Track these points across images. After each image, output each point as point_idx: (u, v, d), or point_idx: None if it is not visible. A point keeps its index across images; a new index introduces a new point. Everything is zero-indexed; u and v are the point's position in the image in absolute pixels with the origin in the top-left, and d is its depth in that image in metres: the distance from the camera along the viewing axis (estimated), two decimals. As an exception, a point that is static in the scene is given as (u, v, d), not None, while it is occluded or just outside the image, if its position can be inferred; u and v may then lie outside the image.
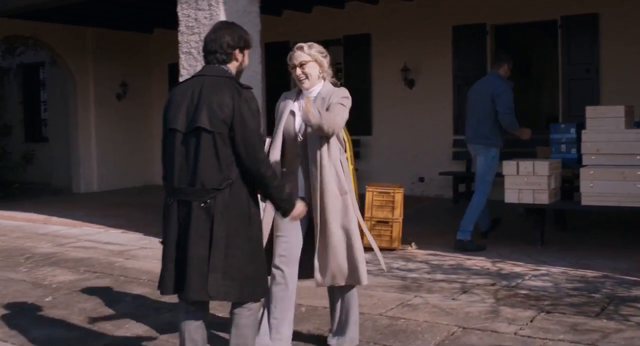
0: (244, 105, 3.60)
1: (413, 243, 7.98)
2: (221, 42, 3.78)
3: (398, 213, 7.81)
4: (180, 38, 8.52)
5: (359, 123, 12.81)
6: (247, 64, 3.95)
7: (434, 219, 10.08)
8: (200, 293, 3.61)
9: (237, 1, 8.34)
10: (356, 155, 12.67)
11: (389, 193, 7.87)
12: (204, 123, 3.57)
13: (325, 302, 5.79)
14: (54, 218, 10.99)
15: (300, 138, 4.37)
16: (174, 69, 15.07)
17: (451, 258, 7.38)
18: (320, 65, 4.39)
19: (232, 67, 3.82)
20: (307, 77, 4.35)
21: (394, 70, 12.44)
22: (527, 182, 7.55)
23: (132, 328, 5.31)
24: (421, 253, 7.69)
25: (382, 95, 12.78)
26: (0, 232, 9.99)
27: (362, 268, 4.54)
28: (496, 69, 8.18)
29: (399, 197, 7.86)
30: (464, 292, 6.02)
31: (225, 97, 3.59)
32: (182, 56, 8.54)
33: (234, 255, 3.63)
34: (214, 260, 3.58)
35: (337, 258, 4.40)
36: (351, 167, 8.02)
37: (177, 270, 3.69)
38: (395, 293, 6.08)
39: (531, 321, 5.17)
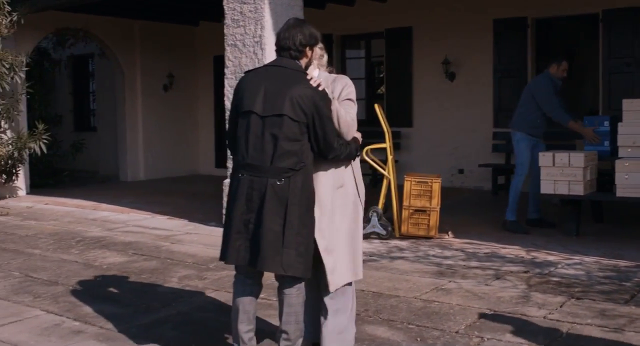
0: (319, 97, 3.96)
1: (450, 232, 8.17)
2: (294, 40, 4.06)
3: (435, 202, 8.01)
4: (226, 31, 8.79)
5: (400, 115, 13.03)
6: (313, 59, 4.22)
7: (472, 210, 10.23)
8: (275, 267, 3.92)
9: (281, -5, 8.60)
10: (397, 147, 12.84)
11: (426, 182, 8.07)
12: (288, 111, 3.90)
13: (364, 285, 6.06)
14: (103, 205, 11.37)
15: None
16: (219, 61, 15.43)
17: (486, 247, 7.55)
18: (317, 58, 4.31)
19: (302, 62, 4.13)
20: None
21: (435, 63, 12.58)
22: (562, 173, 7.68)
23: (178, 306, 5.60)
24: (457, 242, 7.87)
25: (423, 87, 12.93)
26: (53, 217, 10.39)
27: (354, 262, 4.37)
28: (548, 68, 8.51)
29: (436, 187, 8.05)
30: (497, 278, 6.21)
31: (306, 90, 3.94)
32: (227, 48, 8.80)
33: (303, 234, 3.96)
34: (289, 237, 3.90)
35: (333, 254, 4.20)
36: (390, 157, 8.28)
37: (242, 242, 3.97)
38: (430, 278, 6.29)
39: (561, 306, 5.34)
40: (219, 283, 6.24)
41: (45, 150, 11.84)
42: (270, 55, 8.35)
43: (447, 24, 12.41)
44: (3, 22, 11.24)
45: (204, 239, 8.36)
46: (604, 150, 8.19)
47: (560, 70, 8.43)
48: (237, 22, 8.64)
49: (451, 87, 12.55)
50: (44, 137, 11.72)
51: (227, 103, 8.77)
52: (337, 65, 14.06)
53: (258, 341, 4.31)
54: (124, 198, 11.98)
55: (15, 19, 11.36)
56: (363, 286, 6.00)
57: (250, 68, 8.07)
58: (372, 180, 12.70)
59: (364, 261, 6.85)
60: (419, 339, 4.71)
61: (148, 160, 15.18)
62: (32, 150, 11.71)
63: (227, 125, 4.31)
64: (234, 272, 4.23)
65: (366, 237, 8.00)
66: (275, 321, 4.63)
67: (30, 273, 6.85)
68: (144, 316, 5.37)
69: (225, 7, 8.77)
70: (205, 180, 14.59)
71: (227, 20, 8.76)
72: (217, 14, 14.51)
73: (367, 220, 8.10)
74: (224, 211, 3.82)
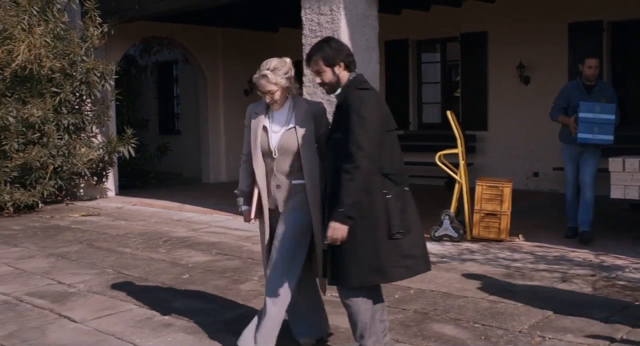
0: None
1: (520, 235, 8.36)
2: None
3: (506, 206, 8.23)
4: (304, 40, 9.17)
5: (475, 118, 13.24)
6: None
7: (545, 213, 10.35)
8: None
9: (357, 6, 8.93)
10: (471, 150, 13.05)
11: (497, 187, 8.30)
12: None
13: (434, 285, 6.36)
14: (187, 206, 11.93)
15: (275, 154, 4.53)
16: (298, 67, 15.88)
17: (556, 250, 7.73)
18: (287, 89, 4.54)
19: None
20: (276, 102, 4.53)
21: (509, 67, 12.73)
22: (633, 179, 7.80)
23: (259, 303, 5.99)
24: (527, 245, 8.07)
25: (498, 91, 13.09)
26: (141, 217, 10.99)
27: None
28: None
29: (507, 191, 8.27)
30: (564, 281, 6.42)
31: None
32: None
33: None
34: None
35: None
36: (462, 162, 8.54)
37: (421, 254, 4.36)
38: (498, 280, 6.54)
39: (624, 309, 5.54)
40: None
41: (133, 154, 12.50)
42: (346, 64, 8.70)
43: (522, 29, 12.53)
44: (95, 34, 11.91)
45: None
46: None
47: (585, 68, 8.37)
48: (315, 33, 9.01)
49: (526, 91, 12.68)
50: (132, 141, 12.36)
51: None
52: (412, 69, 14.34)
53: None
54: (207, 200, 12.53)
55: (105, 30, 12.04)
56: (433, 287, 6.32)
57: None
58: (447, 183, 12.93)
59: (435, 262, 7.20)
60: (483, 337, 4.98)
61: (229, 162, 15.71)
62: (121, 153, 12.37)
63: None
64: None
65: (438, 239, 8.31)
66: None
67: (123, 271, 7.39)
68: (227, 311, 5.80)
69: (303, 18, 9.16)
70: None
71: (305, 31, 9.15)
72: (296, 21, 14.98)
73: (439, 223, 8.39)
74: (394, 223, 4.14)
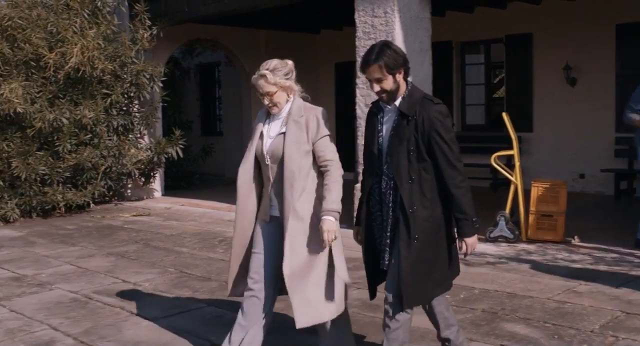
0: None
1: (576, 237, 8.37)
2: None
3: (562, 207, 8.24)
4: (357, 43, 9.24)
5: (520, 120, 13.17)
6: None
7: (595, 215, 10.34)
8: None
9: (411, 8, 9.00)
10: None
11: (553, 188, 8.32)
12: None
13: (497, 285, 6.40)
14: (235, 207, 12.01)
15: (267, 161, 4.34)
16: (340, 68, 16.06)
17: (614, 252, 7.73)
18: (287, 90, 4.29)
19: None
20: (275, 105, 4.29)
21: (555, 68, 12.71)
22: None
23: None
24: (584, 246, 8.08)
25: (544, 93, 13.07)
26: (191, 218, 11.12)
27: (316, 297, 4.28)
28: None
29: (563, 193, 8.29)
30: (627, 282, 6.43)
31: None
32: (358, 59, 9.21)
33: None
34: None
35: (304, 283, 4.25)
36: (518, 163, 8.56)
37: None
38: (561, 281, 6.57)
39: (693, 309, 5.55)
40: (362, 282, 6.69)
41: (181, 155, 12.65)
42: (400, 65, 8.77)
43: (568, 30, 12.52)
44: (145, 36, 12.07)
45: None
46: None
47: None
48: (368, 35, 9.08)
49: (572, 93, 12.65)
50: (180, 142, 12.51)
51: (359, 111, 9.21)
52: (456, 71, 14.37)
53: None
54: (253, 200, 12.60)
55: (155, 32, 12.20)
56: (497, 287, 6.36)
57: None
58: (493, 184, 12.96)
59: (493, 263, 7.23)
60: (556, 336, 5.02)
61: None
62: (170, 154, 12.51)
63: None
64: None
65: (493, 240, 8.35)
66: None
67: (184, 270, 7.50)
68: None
69: (356, 20, 9.23)
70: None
71: (359, 33, 9.22)
72: (338, 23, 15.11)
73: (494, 224, 8.42)
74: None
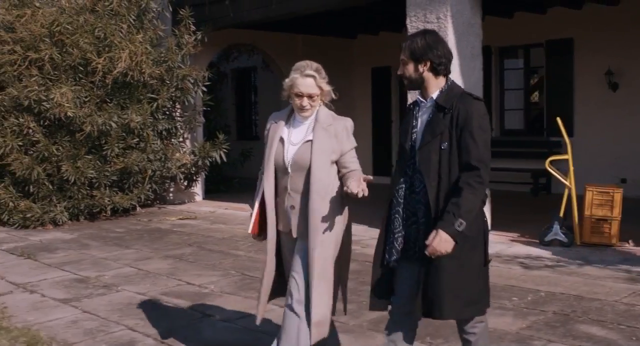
0: None
1: (630, 241, 8.40)
2: None
3: (617, 211, 8.29)
4: (408, 48, 9.29)
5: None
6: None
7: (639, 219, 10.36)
8: None
9: (462, 14, 9.07)
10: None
11: (608, 192, 8.37)
12: None
13: (561, 288, 6.46)
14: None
15: (289, 170, 4.10)
16: (376, 73, 16.14)
17: (670, 255, 7.79)
18: (326, 95, 4.15)
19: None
20: (311, 109, 4.11)
21: (597, 73, 12.74)
22: None
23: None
24: (639, 250, 8.12)
25: (585, 98, 13.09)
26: (237, 221, 11.22)
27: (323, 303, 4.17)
28: None
29: (617, 197, 8.33)
30: (693, 285, 6.49)
31: None
32: (410, 64, 9.29)
33: None
34: None
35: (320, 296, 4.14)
36: (572, 168, 8.61)
37: None
38: (625, 284, 6.62)
39: None
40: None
41: (225, 159, 12.76)
42: (454, 71, 8.85)
43: (610, 35, 12.54)
44: (190, 41, 12.21)
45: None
46: None
47: None
48: (420, 40, 9.14)
49: (614, 98, 12.67)
50: (223, 146, 12.64)
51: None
52: (495, 76, 14.42)
53: None
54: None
55: (199, 37, 12.34)
56: (561, 290, 6.42)
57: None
58: (533, 189, 13.00)
59: (552, 266, 7.28)
60: (634, 338, 5.08)
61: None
62: (213, 158, 12.63)
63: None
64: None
65: (548, 243, 8.39)
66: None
67: (245, 272, 7.61)
68: (369, 312, 5.94)
69: (408, 25, 9.31)
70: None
71: (410, 38, 9.28)
72: (374, 28, 15.20)
73: (547, 228, 8.47)
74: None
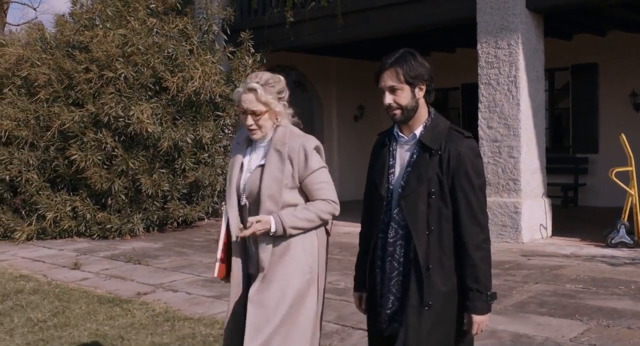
0: None
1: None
2: None
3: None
4: (480, 71, 10.28)
5: (587, 142, 14.36)
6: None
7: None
8: None
9: (530, 41, 10.10)
10: (584, 171, 14.20)
11: (669, 200, 9.42)
12: None
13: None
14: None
15: (243, 201, 3.58)
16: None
17: None
18: (277, 113, 3.52)
19: None
20: (259, 129, 3.51)
21: (621, 95, 13.89)
22: None
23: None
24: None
25: (609, 117, 14.20)
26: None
27: None
28: None
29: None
30: None
31: None
32: (481, 86, 10.27)
33: None
34: None
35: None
36: (634, 178, 9.60)
37: None
38: None
39: None
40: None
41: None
42: (523, 92, 9.86)
43: (634, 60, 13.66)
44: (249, 62, 13.06)
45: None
46: None
47: None
48: (491, 64, 10.14)
49: (637, 117, 13.78)
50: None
51: (481, 133, 10.24)
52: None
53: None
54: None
55: (258, 59, 13.20)
56: (655, 283, 7.40)
57: (504, 103, 9.58)
58: (563, 201, 14.04)
59: (632, 263, 8.23)
60: None
61: (343, 183, 16.76)
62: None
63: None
64: None
65: (615, 245, 9.38)
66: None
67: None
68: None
69: (479, 51, 10.29)
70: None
71: (481, 62, 10.26)
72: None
73: (611, 232, 9.48)
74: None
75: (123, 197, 11.92)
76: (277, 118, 3.50)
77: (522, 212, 9.88)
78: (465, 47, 15.11)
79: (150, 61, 12.03)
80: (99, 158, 11.74)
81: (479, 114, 10.36)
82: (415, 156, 3.18)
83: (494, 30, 10.10)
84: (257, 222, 3.36)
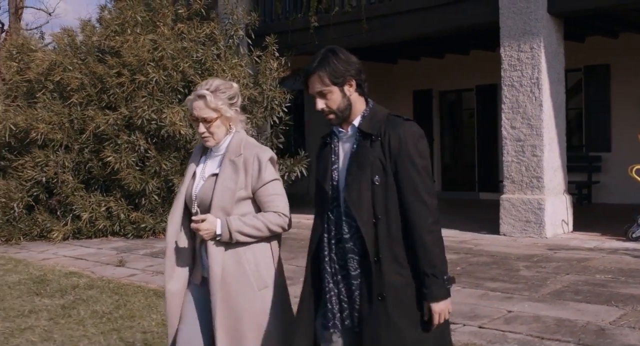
0: None
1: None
2: None
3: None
4: (502, 74, 10.71)
5: (599, 141, 14.81)
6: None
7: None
8: None
9: (551, 44, 10.56)
10: (597, 169, 14.64)
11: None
12: None
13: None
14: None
15: (195, 209, 3.52)
16: (418, 96, 17.54)
17: None
18: (229, 119, 3.51)
19: None
20: (211, 136, 3.50)
21: (633, 95, 14.33)
22: None
23: None
24: None
25: (621, 117, 14.65)
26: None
27: None
28: None
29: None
30: None
31: None
32: (504, 88, 10.70)
33: None
34: None
35: None
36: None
37: None
38: None
39: None
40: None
41: (305, 174, 13.99)
42: (545, 93, 10.31)
43: (645, 61, 14.14)
44: (275, 65, 13.49)
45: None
46: None
47: None
48: (514, 67, 10.58)
49: (649, 117, 14.27)
50: (304, 162, 13.88)
51: (505, 133, 10.68)
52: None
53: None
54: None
55: (283, 62, 13.62)
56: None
57: (527, 104, 10.02)
58: (578, 199, 14.47)
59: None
60: None
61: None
62: (296, 173, 13.86)
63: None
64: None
65: (635, 239, 9.83)
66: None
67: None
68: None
69: (502, 54, 10.73)
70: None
71: (504, 65, 10.70)
72: (415, 53, 16.58)
73: (631, 226, 9.93)
74: None
75: (156, 197, 12.33)
76: (230, 125, 3.51)
77: (546, 208, 10.32)
78: (479, 50, 15.58)
79: (180, 65, 12.45)
80: (133, 159, 12.16)
81: (502, 115, 10.79)
82: (355, 145, 3.13)
83: (517, 34, 10.54)
84: (201, 221, 3.35)
